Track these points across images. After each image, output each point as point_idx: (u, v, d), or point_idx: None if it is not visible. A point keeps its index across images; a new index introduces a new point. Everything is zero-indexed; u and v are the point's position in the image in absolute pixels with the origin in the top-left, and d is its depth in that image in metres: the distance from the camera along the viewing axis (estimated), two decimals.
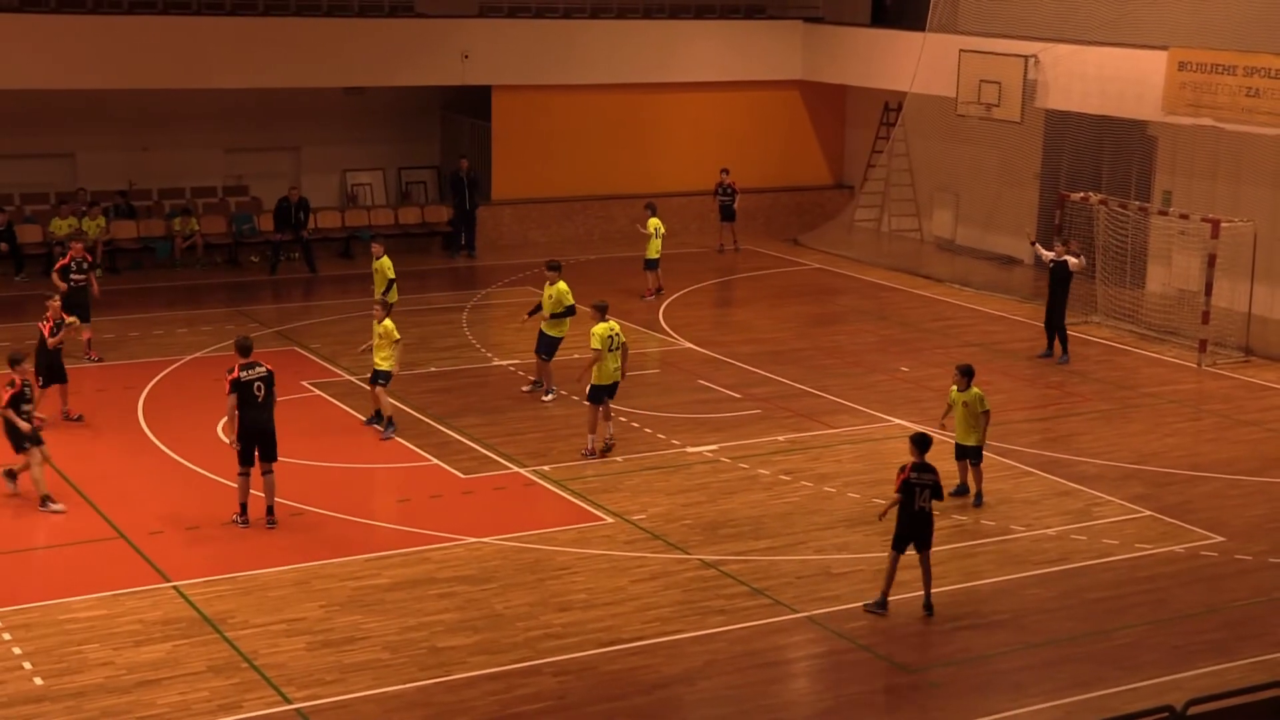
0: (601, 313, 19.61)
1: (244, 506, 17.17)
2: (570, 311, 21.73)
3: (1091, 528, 17.66)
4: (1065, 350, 24.93)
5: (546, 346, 21.89)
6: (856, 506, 18.15)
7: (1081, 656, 14.53)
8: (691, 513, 17.84)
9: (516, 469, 19.14)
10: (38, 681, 13.50)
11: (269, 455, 17.24)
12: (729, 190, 32.62)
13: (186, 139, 31.81)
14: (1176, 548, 17.18)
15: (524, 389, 22.24)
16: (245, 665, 13.88)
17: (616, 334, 19.59)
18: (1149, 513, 18.18)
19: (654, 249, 28.20)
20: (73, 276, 23.04)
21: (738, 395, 22.35)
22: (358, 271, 29.29)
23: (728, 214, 32.77)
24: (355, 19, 31.88)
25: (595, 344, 19.36)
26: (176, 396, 21.80)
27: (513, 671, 13.93)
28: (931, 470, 15.30)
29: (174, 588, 15.47)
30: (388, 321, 20.15)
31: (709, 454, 19.84)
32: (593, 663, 14.15)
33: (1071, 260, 24.65)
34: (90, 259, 23.94)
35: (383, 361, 20.16)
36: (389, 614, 15.01)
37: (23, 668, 13.72)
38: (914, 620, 15.22)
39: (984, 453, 18.47)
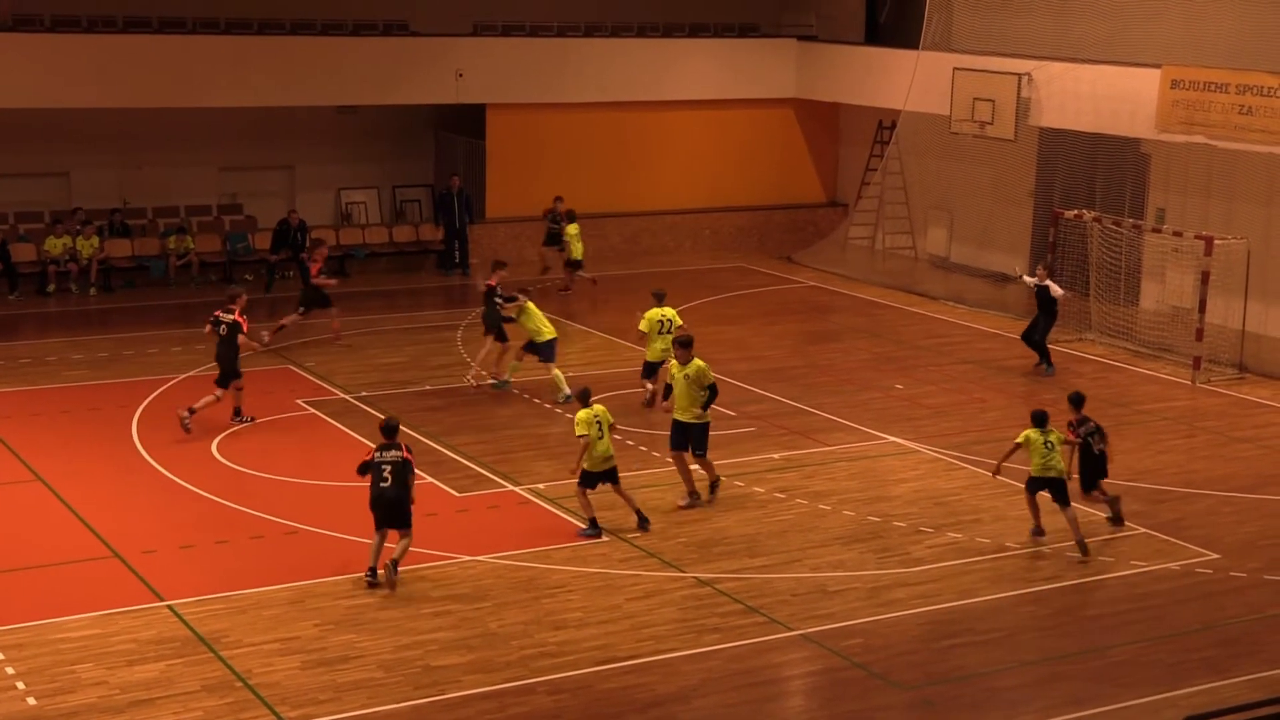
0: (660, 299, 20.30)
1: None
2: (714, 393, 18.64)
3: (1086, 545, 17.64)
4: (1050, 363, 24.99)
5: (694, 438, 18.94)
6: (851, 524, 18.14)
7: (1076, 674, 14.52)
8: (686, 530, 17.82)
9: (511, 487, 19.12)
10: (31, 702, 13.46)
11: None
12: (558, 218, 31.01)
13: (181, 157, 31.83)
14: (1171, 565, 17.18)
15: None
16: (239, 684, 13.84)
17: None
18: (1143, 530, 18.17)
19: (578, 251, 29.66)
20: (321, 278, 25.47)
21: (732, 413, 22.34)
22: (353, 290, 29.27)
23: (553, 240, 31.02)
24: (349, 38, 31.92)
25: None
26: (170, 415, 21.74)
27: (507, 690, 13.91)
28: (1087, 420, 18.04)
29: (168, 607, 15.43)
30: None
31: (704, 472, 19.80)
32: (587, 681, 14.13)
33: (1053, 287, 24.79)
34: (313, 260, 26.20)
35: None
36: (383, 633, 14.99)
37: (16, 688, 13.68)
38: (910, 639, 15.21)
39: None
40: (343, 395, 22.85)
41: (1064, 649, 15.07)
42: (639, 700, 13.82)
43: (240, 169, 32.47)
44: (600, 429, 17.49)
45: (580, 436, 17.40)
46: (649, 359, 22.09)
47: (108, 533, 17.29)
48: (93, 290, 29.56)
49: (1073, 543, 17.31)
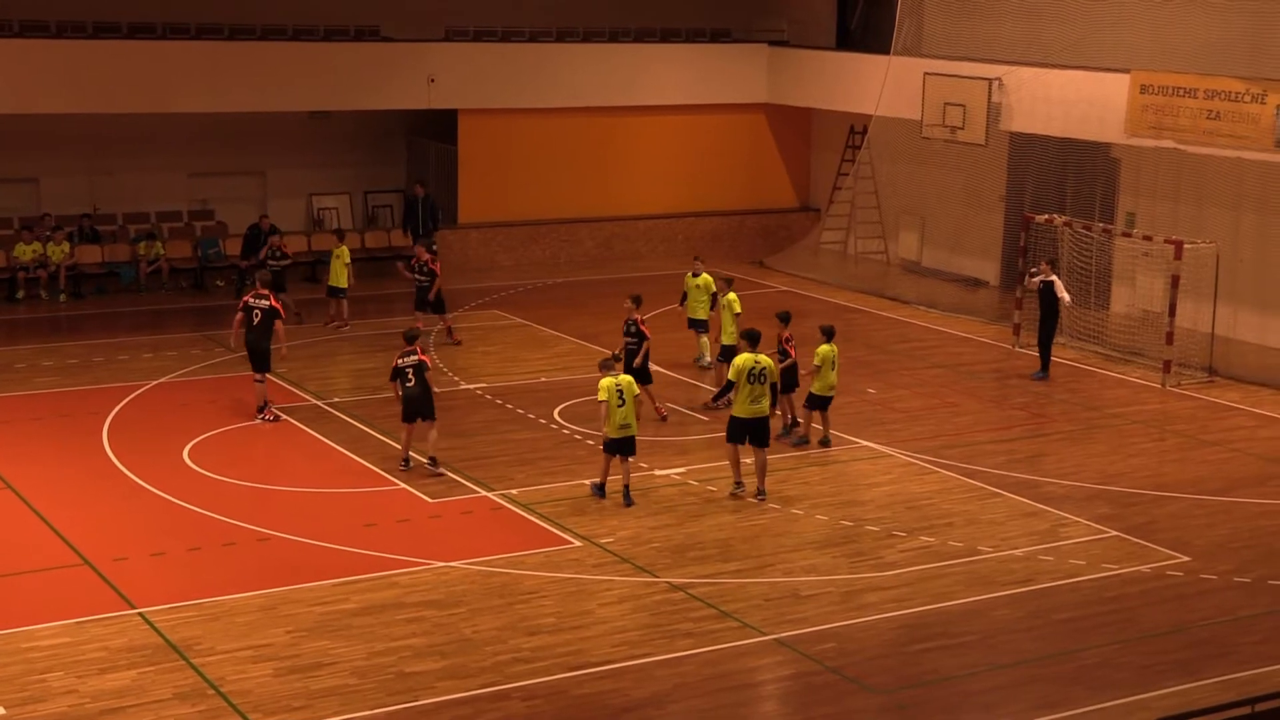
0: (753, 343, 19.23)
1: None
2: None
3: (1058, 548, 17.73)
4: (1044, 368, 25.02)
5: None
6: (824, 528, 18.17)
7: (1049, 677, 14.56)
8: (659, 535, 17.83)
9: (484, 493, 19.10)
10: (0, 711, 13.38)
11: None
12: (278, 253, 27.60)
13: (151, 163, 31.69)
14: (1142, 568, 17.26)
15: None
16: (212, 692, 13.79)
17: (761, 365, 19.01)
18: (1115, 533, 18.25)
19: (340, 277, 27.13)
20: (417, 277, 25.95)
21: (705, 418, 22.36)
22: (324, 296, 29.13)
23: (278, 284, 25.70)
24: (321, 43, 31.86)
25: (739, 379, 18.93)
26: (141, 421, 21.69)
27: (481, 696, 13.88)
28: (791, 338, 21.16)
29: (139, 614, 15.36)
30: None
31: (677, 477, 19.84)
32: (561, 687, 14.12)
33: (1059, 286, 24.77)
34: (431, 261, 26.25)
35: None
36: (356, 639, 14.95)
37: None
38: (883, 643, 15.24)
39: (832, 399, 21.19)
40: (314, 401, 22.79)
41: (1037, 652, 15.12)
42: (613, 706, 13.82)
43: (211, 174, 32.35)
44: (621, 397, 18.42)
45: (600, 402, 18.38)
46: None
47: (78, 540, 17.20)
48: (63, 297, 29.41)
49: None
